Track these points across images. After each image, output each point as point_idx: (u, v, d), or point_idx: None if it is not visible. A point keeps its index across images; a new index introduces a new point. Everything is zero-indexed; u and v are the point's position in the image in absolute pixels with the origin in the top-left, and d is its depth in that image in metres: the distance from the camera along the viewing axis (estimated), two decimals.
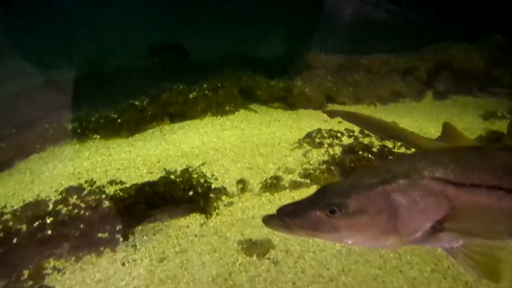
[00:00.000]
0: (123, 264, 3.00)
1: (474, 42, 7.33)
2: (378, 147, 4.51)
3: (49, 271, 2.90)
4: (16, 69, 6.06)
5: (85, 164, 4.54)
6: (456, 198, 1.36)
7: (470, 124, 5.89)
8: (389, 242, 1.41)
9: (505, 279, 1.36)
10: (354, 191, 1.41)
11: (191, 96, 6.11)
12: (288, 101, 6.66)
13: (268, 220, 1.47)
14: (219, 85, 6.43)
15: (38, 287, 2.72)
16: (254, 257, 3.07)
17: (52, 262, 2.97)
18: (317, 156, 4.55)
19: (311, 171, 4.17)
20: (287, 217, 1.43)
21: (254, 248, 3.13)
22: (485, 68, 7.14)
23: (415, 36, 7.74)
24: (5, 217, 3.17)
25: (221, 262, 3.03)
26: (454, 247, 1.43)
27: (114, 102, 5.79)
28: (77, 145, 5.12)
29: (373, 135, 4.90)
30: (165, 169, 4.28)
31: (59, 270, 2.91)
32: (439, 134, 4.07)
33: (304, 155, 4.62)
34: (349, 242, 1.44)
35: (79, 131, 5.29)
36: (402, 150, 4.52)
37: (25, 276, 2.78)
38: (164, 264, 3.01)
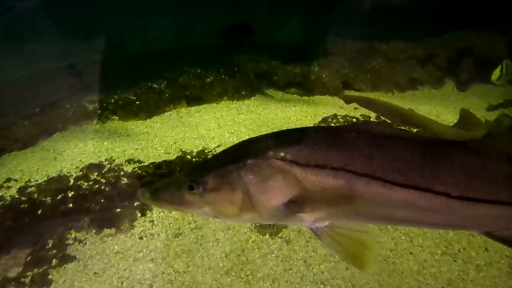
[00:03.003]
0: (141, 238, 3.12)
1: (497, 29, 7.13)
2: None
3: (71, 242, 3.04)
4: (41, 51, 6.20)
5: (104, 143, 4.68)
6: (304, 179, 1.35)
7: (489, 113, 5.79)
8: (249, 218, 1.44)
9: (370, 266, 1.29)
10: (212, 169, 1.46)
11: (208, 80, 6.17)
12: (305, 87, 6.64)
13: (142, 194, 1.53)
14: (235, 69, 6.46)
15: (61, 255, 2.86)
16: (267, 236, 3.16)
17: (73, 234, 3.11)
18: None
19: None
20: (155, 193, 1.50)
21: (267, 227, 3.21)
22: (507, 56, 6.95)
23: (436, 22, 7.57)
24: (30, 189, 3.33)
25: (235, 239, 3.12)
26: (319, 228, 1.43)
27: (134, 84, 5.89)
28: (97, 126, 5.27)
29: (389, 121, 4.87)
30: (181, 149, 4.37)
31: (80, 241, 3.06)
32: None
33: None
34: (215, 217, 1.50)
35: (99, 112, 5.43)
36: None
37: (49, 245, 2.93)
38: (179, 239, 3.12)
